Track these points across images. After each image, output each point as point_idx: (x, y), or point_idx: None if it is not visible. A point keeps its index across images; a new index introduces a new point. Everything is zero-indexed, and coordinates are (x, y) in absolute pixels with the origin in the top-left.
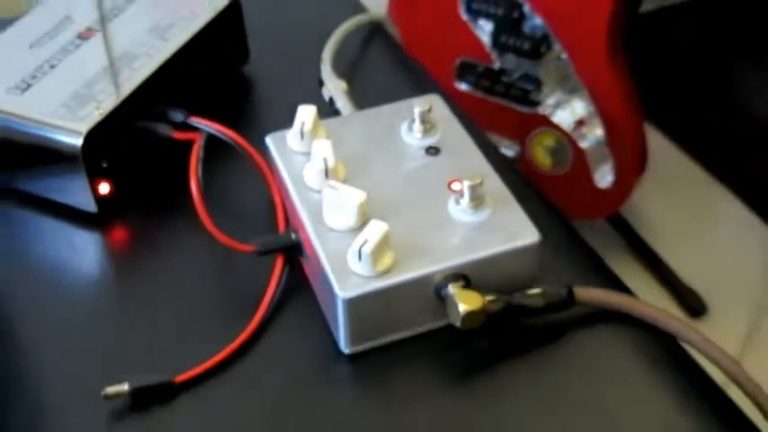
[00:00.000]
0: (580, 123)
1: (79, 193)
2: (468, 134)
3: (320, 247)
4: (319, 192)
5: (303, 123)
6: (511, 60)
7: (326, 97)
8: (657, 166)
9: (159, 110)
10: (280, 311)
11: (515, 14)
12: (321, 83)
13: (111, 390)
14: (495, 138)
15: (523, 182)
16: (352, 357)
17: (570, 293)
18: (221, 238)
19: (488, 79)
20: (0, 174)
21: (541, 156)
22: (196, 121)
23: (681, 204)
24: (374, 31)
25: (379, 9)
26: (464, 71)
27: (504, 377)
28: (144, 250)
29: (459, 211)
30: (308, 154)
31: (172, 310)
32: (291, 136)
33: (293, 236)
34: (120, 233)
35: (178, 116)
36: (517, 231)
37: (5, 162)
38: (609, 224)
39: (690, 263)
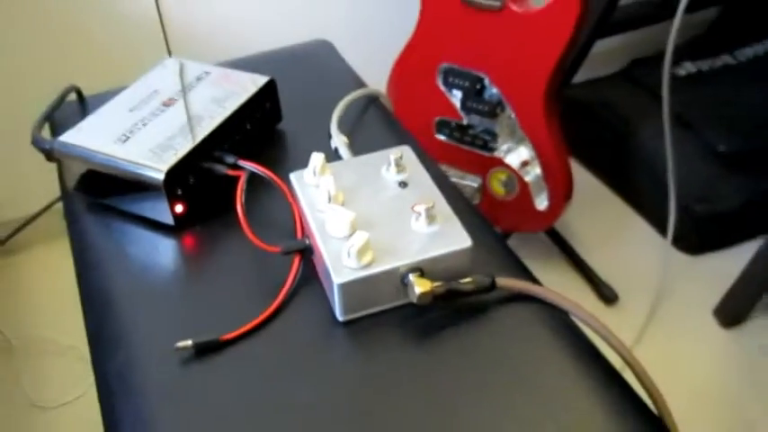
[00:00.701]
0: (525, 164)
1: (162, 211)
2: (428, 173)
3: (323, 249)
4: (324, 212)
5: (315, 165)
6: (475, 119)
7: (333, 147)
8: (583, 193)
9: (218, 155)
10: (297, 292)
11: (478, 86)
12: (330, 137)
13: (180, 344)
14: (463, 173)
15: (465, 205)
16: (345, 323)
17: (492, 281)
18: (257, 242)
19: (459, 132)
20: (108, 197)
21: (497, 186)
22: (243, 162)
23: (600, 220)
24: (370, 101)
25: (376, 86)
26: (441, 126)
27: (447, 337)
28: (205, 251)
29: (418, 225)
30: (318, 186)
31: (224, 291)
32: (307, 173)
33: (306, 241)
34: (189, 240)
35: (230, 159)
36: (456, 239)
37: (112, 189)
38: (546, 235)
39: (605, 263)
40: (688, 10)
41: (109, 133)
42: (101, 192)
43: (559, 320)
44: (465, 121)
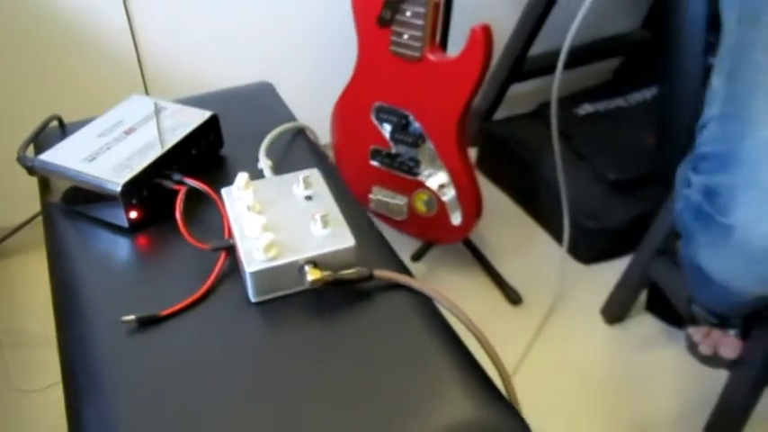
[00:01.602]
0: (442, 186)
1: (119, 217)
2: (330, 190)
3: (241, 246)
4: (244, 218)
5: (240, 182)
6: (402, 148)
7: (260, 168)
8: (498, 210)
9: (167, 173)
10: (222, 280)
11: (404, 121)
12: (258, 160)
13: (125, 318)
14: (393, 193)
15: (360, 214)
16: (257, 304)
17: (371, 273)
18: (191, 241)
19: (389, 159)
20: (78, 205)
21: (420, 205)
22: (186, 179)
23: (510, 233)
24: (297, 133)
25: (317, 120)
26: (375, 154)
27: (334, 315)
28: (153, 248)
29: (315, 229)
30: (241, 198)
31: (165, 278)
32: (234, 188)
33: (231, 241)
34: (141, 239)
35: (177, 176)
36: (343, 240)
37: (81, 199)
38: (464, 245)
39: (513, 270)
40: (594, 59)
41: (80, 154)
42: (72, 201)
43: (425, 305)
44: (394, 150)
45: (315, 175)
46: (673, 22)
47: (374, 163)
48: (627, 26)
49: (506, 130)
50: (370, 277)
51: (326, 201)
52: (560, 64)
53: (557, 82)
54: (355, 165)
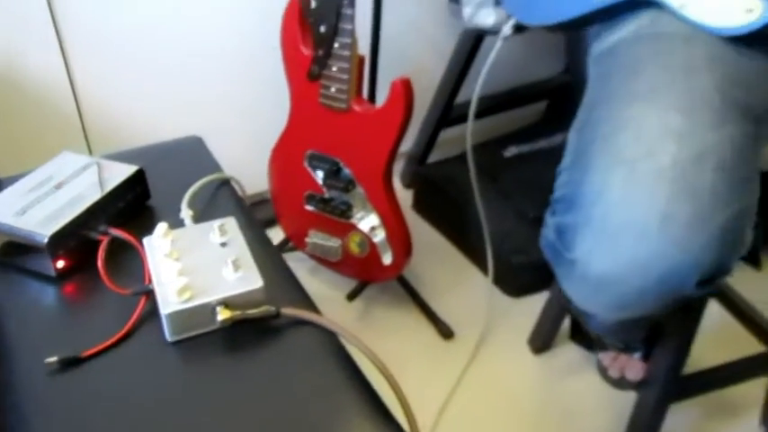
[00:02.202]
0: (373, 228)
1: (47, 266)
2: (245, 236)
3: (158, 290)
4: (162, 264)
5: (159, 232)
6: (334, 193)
7: (181, 218)
8: (431, 247)
9: (93, 224)
10: (142, 322)
11: (335, 168)
12: (180, 210)
13: (48, 360)
14: (328, 235)
15: (273, 256)
16: (173, 343)
17: (278, 311)
18: (112, 287)
19: (322, 203)
20: (11, 258)
21: (353, 246)
22: (111, 230)
23: (443, 269)
24: (222, 184)
25: (251, 168)
26: (309, 199)
27: (246, 351)
28: (78, 294)
29: (227, 272)
30: (161, 246)
31: (90, 321)
32: (155, 237)
33: (150, 285)
34: (68, 286)
35: (102, 227)
36: (252, 282)
37: (13, 251)
38: (398, 283)
39: (445, 304)
40: (520, 103)
41: (11, 208)
42: (7, 254)
43: (330, 340)
44: (327, 195)
45: (230, 223)
46: (578, 68)
47: (309, 207)
48: (551, 71)
49: (439, 172)
50: (278, 315)
51: (240, 246)
52: (471, 114)
53: (469, 130)
54: (292, 209)
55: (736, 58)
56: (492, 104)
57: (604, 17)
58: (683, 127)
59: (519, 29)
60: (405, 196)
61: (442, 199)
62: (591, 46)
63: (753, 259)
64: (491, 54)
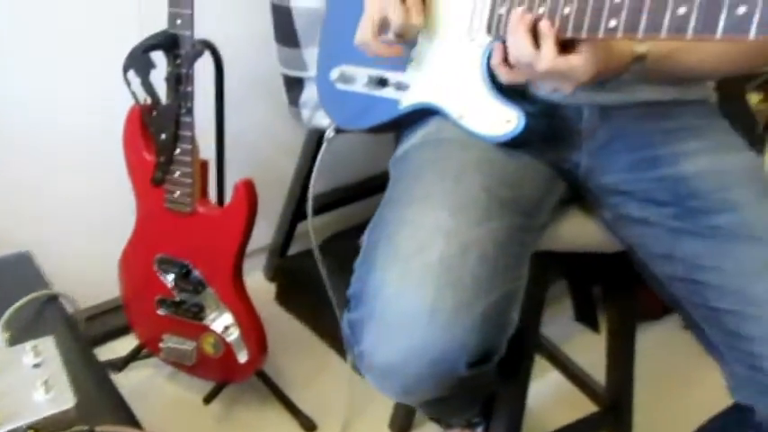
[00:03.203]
0: (227, 328)
1: None
2: (61, 356)
3: None
4: None
5: None
6: (185, 295)
7: None
8: (293, 338)
9: None
10: None
11: (184, 270)
12: None
13: None
14: (182, 339)
15: (95, 371)
16: None
17: (91, 430)
18: None
19: (174, 307)
20: None
21: (208, 348)
22: None
23: (306, 360)
24: (49, 300)
25: (73, 282)
26: (161, 303)
27: None
28: None
29: (38, 395)
30: None
31: None
32: None
33: None
34: None
35: None
36: (63, 402)
37: None
38: (258, 379)
39: (307, 396)
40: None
41: None
42: None
43: None
44: (178, 298)
45: (47, 343)
46: None
47: (161, 312)
48: None
49: (298, 264)
50: None
51: (55, 366)
52: (309, 209)
53: (310, 225)
54: (144, 315)
55: (504, 159)
56: (347, 195)
57: (404, 124)
58: (450, 225)
59: (341, 130)
60: (269, 289)
61: (303, 290)
62: (395, 150)
63: (591, 323)
64: (319, 155)
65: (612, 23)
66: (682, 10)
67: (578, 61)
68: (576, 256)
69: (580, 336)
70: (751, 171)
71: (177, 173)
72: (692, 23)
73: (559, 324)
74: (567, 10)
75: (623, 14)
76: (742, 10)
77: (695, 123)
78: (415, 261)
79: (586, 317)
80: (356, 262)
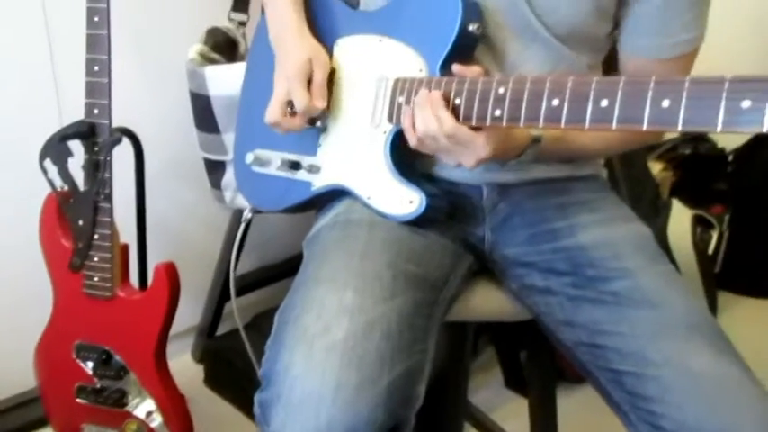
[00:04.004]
0: (150, 413)
1: None
2: None
3: None
4: None
5: None
6: (106, 382)
7: None
8: (220, 420)
9: None
10: None
11: (104, 356)
12: None
13: None
14: (104, 428)
15: None
16: None
17: None
18: None
19: (95, 394)
20: None
21: None
22: None
23: None
24: None
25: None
26: (80, 391)
27: None
28: None
29: None
30: None
31: None
32: None
33: None
34: None
35: None
36: None
37: None
38: None
39: None
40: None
41: None
42: None
43: None
44: (98, 385)
45: None
46: None
47: (81, 400)
48: None
49: (226, 344)
50: None
51: None
52: (232, 289)
53: (234, 305)
54: (63, 404)
55: (411, 237)
56: (275, 272)
57: (317, 204)
58: (355, 303)
59: (258, 211)
60: (197, 371)
61: (232, 371)
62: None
63: (521, 389)
64: (238, 235)
65: (497, 113)
66: (555, 102)
67: (479, 136)
68: (501, 324)
69: (510, 402)
70: (640, 239)
71: (96, 258)
72: (565, 114)
73: (489, 391)
74: (458, 100)
75: (506, 105)
76: (604, 103)
77: (588, 198)
78: (320, 341)
79: (515, 383)
80: (267, 343)
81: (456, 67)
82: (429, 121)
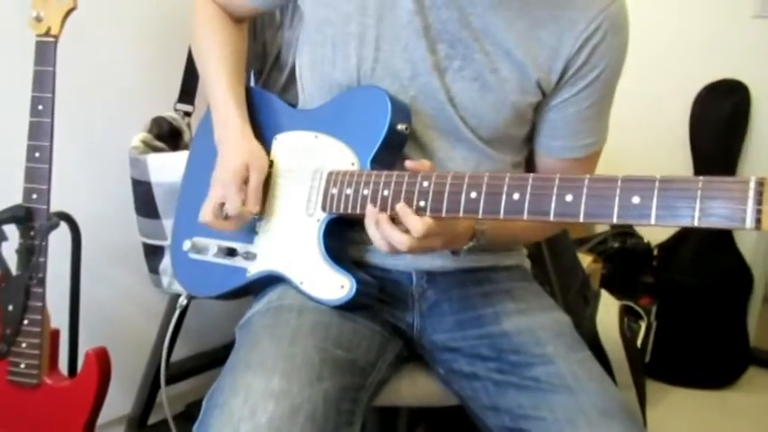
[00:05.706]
0: None
1: None
2: None
3: None
4: None
5: None
6: None
7: None
8: None
9: None
10: None
11: None
12: None
13: None
14: None
15: None
16: None
17: None
18: None
19: None
20: None
21: None
22: None
23: None
24: None
25: None
26: None
27: None
28: None
29: None
30: None
31: None
32: None
33: None
34: None
35: None
36: None
37: None
38: None
39: None
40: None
41: None
42: None
43: None
44: None
45: None
46: None
47: None
48: None
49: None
50: None
51: None
52: (163, 378)
53: (164, 395)
54: None
55: (340, 322)
56: (213, 359)
57: (252, 290)
58: (282, 387)
59: (194, 297)
60: None
61: None
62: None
63: None
64: (172, 321)
65: (422, 203)
66: (473, 194)
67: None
68: (439, 412)
69: None
70: (560, 327)
71: (24, 344)
72: (482, 206)
73: None
74: (386, 192)
75: (429, 197)
76: (516, 196)
77: (511, 286)
78: (245, 425)
79: None
80: (193, 428)
81: (409, 163)
82: (394, 236)
